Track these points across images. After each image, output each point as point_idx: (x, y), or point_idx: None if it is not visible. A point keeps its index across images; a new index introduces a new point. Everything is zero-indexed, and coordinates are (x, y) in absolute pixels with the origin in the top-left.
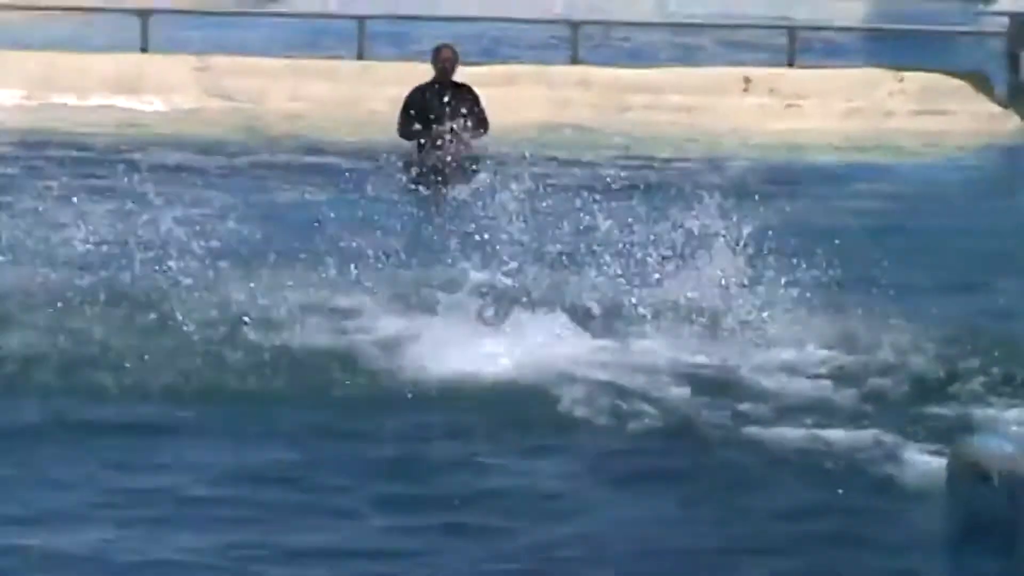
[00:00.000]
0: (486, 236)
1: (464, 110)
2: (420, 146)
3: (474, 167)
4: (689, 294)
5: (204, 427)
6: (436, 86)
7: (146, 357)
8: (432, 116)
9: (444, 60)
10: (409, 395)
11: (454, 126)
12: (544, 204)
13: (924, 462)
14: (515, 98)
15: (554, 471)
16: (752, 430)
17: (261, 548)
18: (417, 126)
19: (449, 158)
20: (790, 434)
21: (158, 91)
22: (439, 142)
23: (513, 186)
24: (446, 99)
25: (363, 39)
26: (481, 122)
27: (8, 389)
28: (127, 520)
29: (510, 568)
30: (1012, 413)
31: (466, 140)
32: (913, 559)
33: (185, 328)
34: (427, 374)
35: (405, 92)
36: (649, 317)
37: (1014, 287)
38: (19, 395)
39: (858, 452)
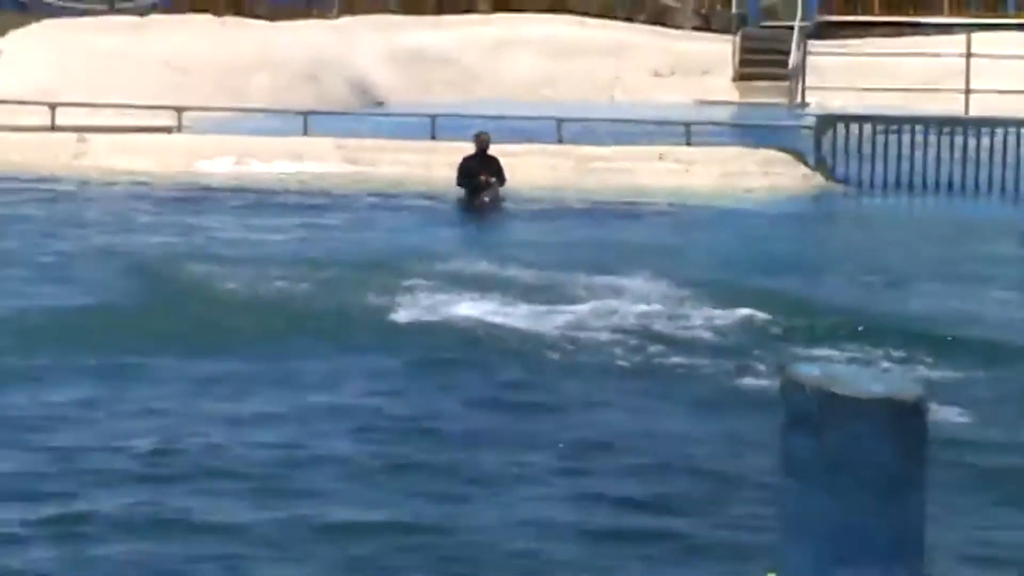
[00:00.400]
0: (505, 236)
1: (493, 170)
2: (469, 191)
3: (499, 202)
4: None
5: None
6: (477, 156)
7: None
8: (474, 173)
9: (481, 140)
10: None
11: (488, 179)
12: (534, 222)
13: (770, 380)
14: (524, 163)
15: None
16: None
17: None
18: (466, 179)
19: (486, 198)
20: (675, 363)
21: (314, 159)
22: (478, 189)
23: (517, 211)
24: (482, 164)
25: (434, 128)
26: (501, 179)
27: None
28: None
29: None
30: (819, 351)
31: (494, 187)
32: (761, 437)
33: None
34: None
35: (459, 160)
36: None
37: (820, 273)
38: None
39: (731, 375)
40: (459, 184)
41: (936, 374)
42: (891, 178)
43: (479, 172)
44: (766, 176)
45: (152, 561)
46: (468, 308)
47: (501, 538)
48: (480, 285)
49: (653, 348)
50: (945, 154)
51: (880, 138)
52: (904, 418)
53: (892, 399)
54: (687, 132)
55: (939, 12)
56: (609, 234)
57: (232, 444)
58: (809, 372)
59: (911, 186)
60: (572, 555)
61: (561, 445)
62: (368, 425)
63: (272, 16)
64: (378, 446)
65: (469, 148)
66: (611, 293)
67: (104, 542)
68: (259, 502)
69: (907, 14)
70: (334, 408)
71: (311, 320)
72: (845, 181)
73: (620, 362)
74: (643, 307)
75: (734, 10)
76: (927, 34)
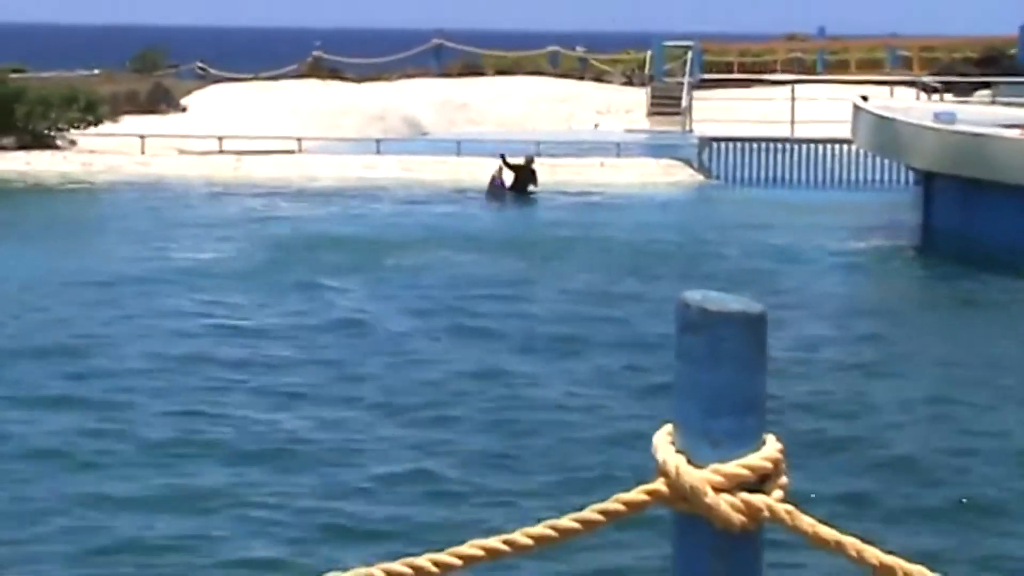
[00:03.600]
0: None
1: (528, 175)
2: (495, 189)
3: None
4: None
5: None
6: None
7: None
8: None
9: (528, 159)
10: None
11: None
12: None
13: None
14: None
15: None
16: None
17: None
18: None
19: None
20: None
21: (382, 170)
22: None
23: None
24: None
25: (459, 149)
26: (534, 180)
27: None
28: None
29: None
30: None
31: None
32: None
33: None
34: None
35: (478, 171)
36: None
37: (700, 237)
38: None
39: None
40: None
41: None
42: (747, 176)
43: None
44: (667, 176)
45: None
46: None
47: None
48: (474, 242)
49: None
50: (780, 160)
51: (740, 151)
52: (753, 324)
53: (745, 312)
54: (618, 149)
55: (774, 71)
56: (568, 211)
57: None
58: (693, 295)
59: (760, 180)
60: None
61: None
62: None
63: (357, 80)
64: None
65: (480, 161)
66: (563, 244)
67: None
68: None
69: (755, 73)
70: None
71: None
72: (718, 178)
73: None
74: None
75: (647, 72)
76: (768, 86)
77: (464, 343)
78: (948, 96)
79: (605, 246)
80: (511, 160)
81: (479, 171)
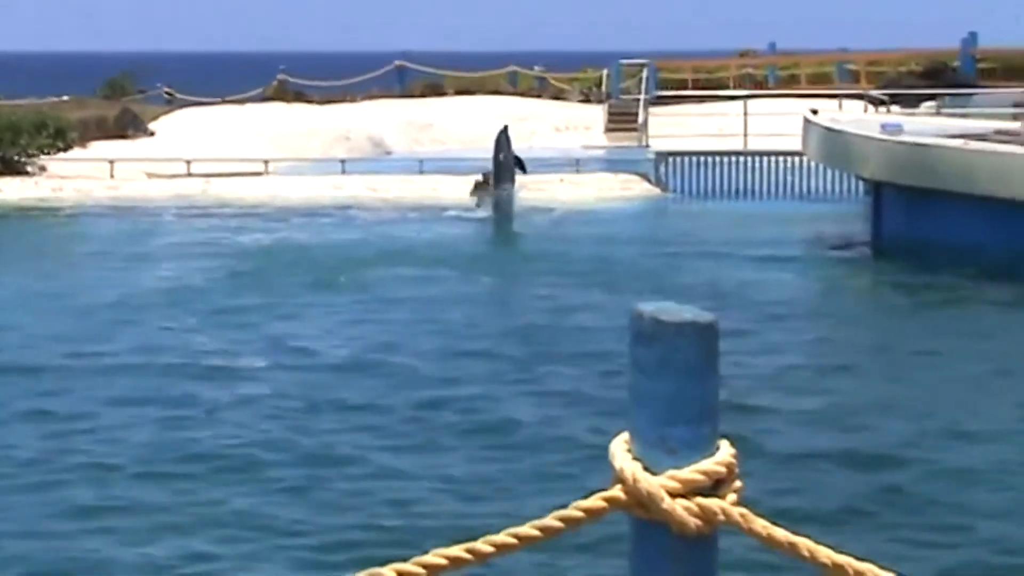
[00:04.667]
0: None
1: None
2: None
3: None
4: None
5: None
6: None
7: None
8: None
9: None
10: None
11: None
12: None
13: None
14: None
15: None
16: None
17: None
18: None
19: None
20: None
21: (349, 189)
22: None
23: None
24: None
25: (422, 167)
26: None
27: None
28: None
29: None
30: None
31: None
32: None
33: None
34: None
35: (442, 188)
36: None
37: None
38: None
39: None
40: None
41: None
42: (703, 189)
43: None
44: (625, 190)
45: None
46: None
47: None
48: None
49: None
50: (734, 172)
51: (695, 165)
52: (704, 333)
53: (696, 321)
54: (577, 164)
55: (727, 87)
56: (531, 226)
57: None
58: (646, 307)
59: (715, 193)
60: None
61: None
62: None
63: (321, 102)
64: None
65: (444, 178)
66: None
67: None
68: None
69: (709, 89)
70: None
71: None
72: (674, 191)
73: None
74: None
75: (604, 90)
76: (721, 101)
77: (428, 360)
78: (895, 108)
79: (567, 260)
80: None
81: (444, 188)
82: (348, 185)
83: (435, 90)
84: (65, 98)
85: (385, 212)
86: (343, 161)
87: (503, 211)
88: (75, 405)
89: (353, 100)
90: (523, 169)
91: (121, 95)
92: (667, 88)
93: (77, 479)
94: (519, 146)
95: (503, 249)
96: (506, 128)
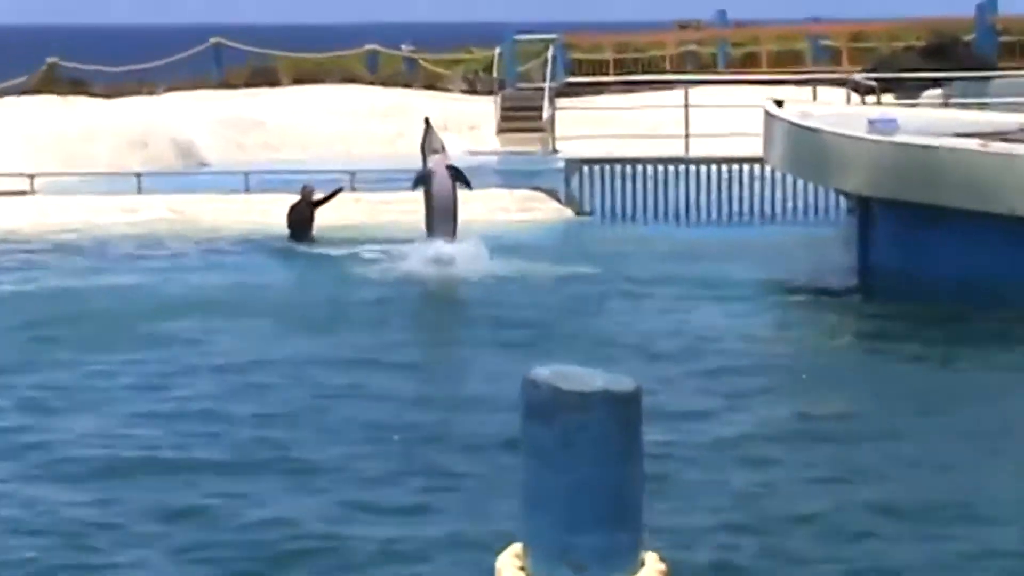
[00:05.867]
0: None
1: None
2: (298, 235)
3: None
4: None
5: None
6: (303, 203)
7: None
8: (304, 219)
9: (306, 192)
10: None
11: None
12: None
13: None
14: (323, 209)
15: None
16: None
17: None
18: (297, 224)
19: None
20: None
21: (145, 213)
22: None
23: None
24: (309, 211)
25: (248, 183)
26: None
27: None
28: None
29: None
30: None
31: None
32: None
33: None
34: None
35: (274, 212)
36: None
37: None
38: None
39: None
40: (291, 227)
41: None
42: (628, 209)
43: (303, 217)
44: (525, 212)
45: None
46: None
47: None
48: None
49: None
50: (672, 187)
51: (620, 178)
52: (621, 405)
53: (610, 391)
54: None
55: (663, 71)
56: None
57: None
58: (542, 372)
59: (646, 214)
60: None
61: None
62: None
63: (108, 94)
64: None
65: (277, 198)
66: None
67: None
68: None
69: (638, 74)
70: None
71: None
72: (590, 213)
73: None
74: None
75: (495, 76)
76: (655, 89)
77: (244, 436)
78: (887, 97)
79: (443, 310)
80: (317, 195)
81: (277, 211)
82: (145, 208)
83: (266, 77)
84: None
85: (195, 244)
86: (139, 175)
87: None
88: None
89: (152, 91)
90: (467, 185)
91: None
92: (581, 73)
93: None
94: (378, 153)
95: (354, 297)
96: (428, 122)
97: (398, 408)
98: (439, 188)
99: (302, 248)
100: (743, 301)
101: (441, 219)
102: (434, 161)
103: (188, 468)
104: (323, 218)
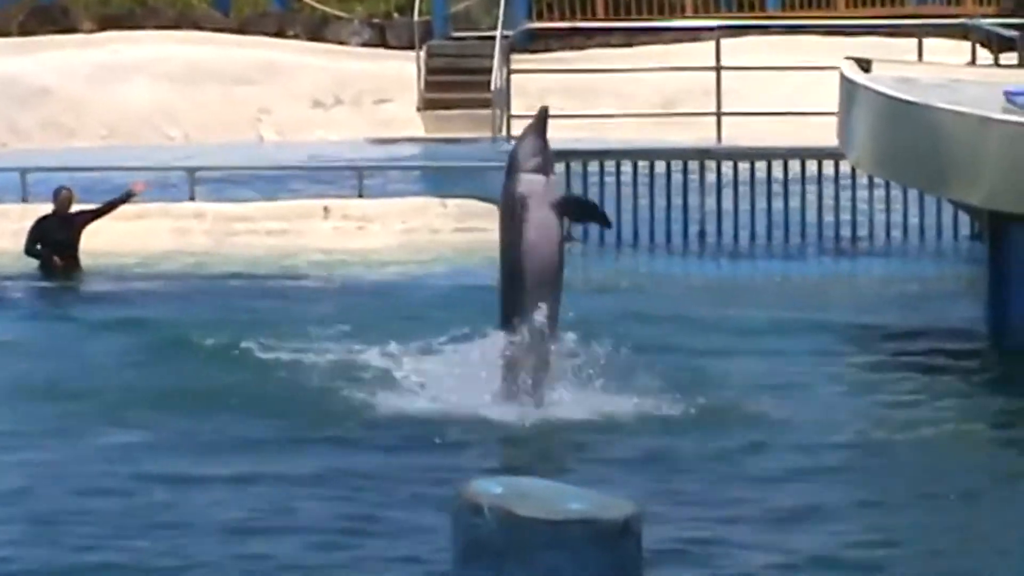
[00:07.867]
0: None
1: (71, 238)
2: (42, 260)
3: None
4: None
5: None
6: (54, 217)
7: None
8: (49, 241)
9: (61, 200)
10: None
11: (57, 262)
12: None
13: (442, 500)
14: (142, 228)
15: None
16: None
17: None
18: (35, 246)
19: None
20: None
21: None
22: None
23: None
24: (61, 228)
25: (26, 186)
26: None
27: None
28: None
29: None
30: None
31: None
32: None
33: None
34: None
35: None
36: None
37: None
38: None
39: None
40: (27, 251)
41: None
42: (631, 230)
43: (58, 237)
44: (465, 232)
45: None
46: None
47: None
48: None
49: None
50: (694, 195)
51: (615, 181)
52: (608, 540)
53: (595, 519)
54: (359, 180)
55: (680, 14)
56: (253, 312)
57: None
58: (488, 488)
59: (656, 239)
60: None
61: None
62: None
63: None
64: None
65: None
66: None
67: None
68: None
69: (641, 18)
70: None
71: None
72: (570, 238)
73: None
74: None
75: (416, 18)
76: (666, 42)
77: None
78: None
79: (336, 399)
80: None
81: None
82: None
83: (53, 20)
84: None
85: None
86: None
87: None
88: None
89: None
90: (603, 222)
91: None
92: (550, 16)
93: None
94: (232, 140)
95: (155, 377)
96: (545, 115)
97: None
98: (537, 236)
99: (54, 289)
100: (819, 372)
101: (535, 292)
102: (529, 185)
103: None
104: (135, 243)
